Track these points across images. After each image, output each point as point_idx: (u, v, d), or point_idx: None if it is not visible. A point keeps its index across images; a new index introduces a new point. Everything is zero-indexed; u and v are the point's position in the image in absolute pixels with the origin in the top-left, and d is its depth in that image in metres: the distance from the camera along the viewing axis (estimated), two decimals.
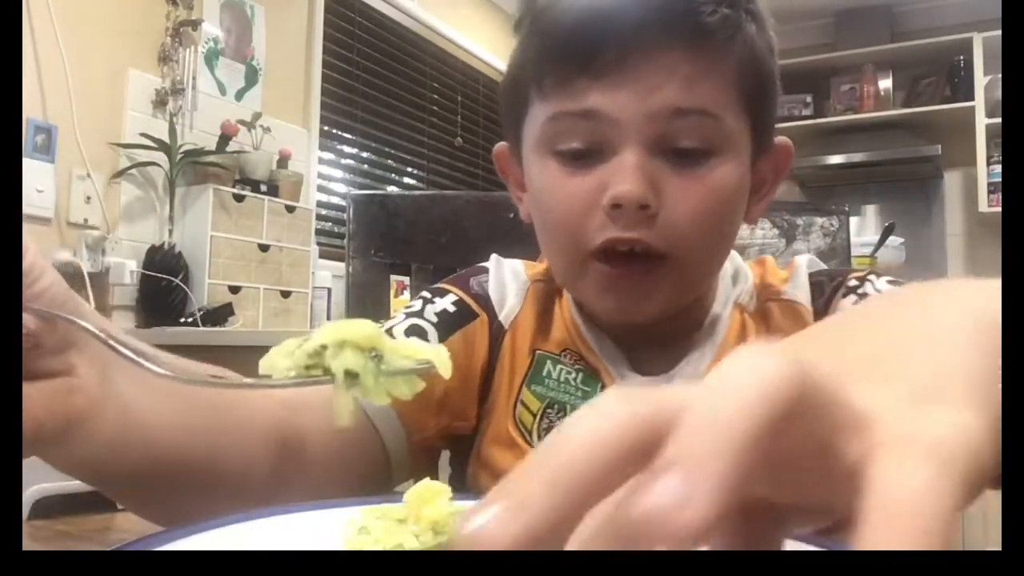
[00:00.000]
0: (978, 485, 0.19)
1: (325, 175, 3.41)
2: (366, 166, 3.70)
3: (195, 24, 2.79)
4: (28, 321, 0.38)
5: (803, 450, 0.20)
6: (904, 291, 0.31)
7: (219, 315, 2.53)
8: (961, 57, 4.10)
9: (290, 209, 2.87)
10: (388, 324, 0.67)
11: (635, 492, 0.17)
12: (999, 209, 3.99)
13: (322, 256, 3.12)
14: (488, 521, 0.18)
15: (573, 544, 0.18)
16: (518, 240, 0.73)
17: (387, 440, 0.62)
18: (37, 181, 2.33)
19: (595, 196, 0.58)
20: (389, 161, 3.80)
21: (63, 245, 2.42)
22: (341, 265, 2.72)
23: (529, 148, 0.64)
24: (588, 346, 0.67)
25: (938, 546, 0.17)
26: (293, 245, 2.87)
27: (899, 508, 0.17)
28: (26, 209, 2.28)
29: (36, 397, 0.39)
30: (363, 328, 0.35)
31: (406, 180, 3.91)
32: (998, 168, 4.01)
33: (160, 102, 2.70)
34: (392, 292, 1.06)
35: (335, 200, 3.41)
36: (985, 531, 2.42)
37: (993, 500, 0.23)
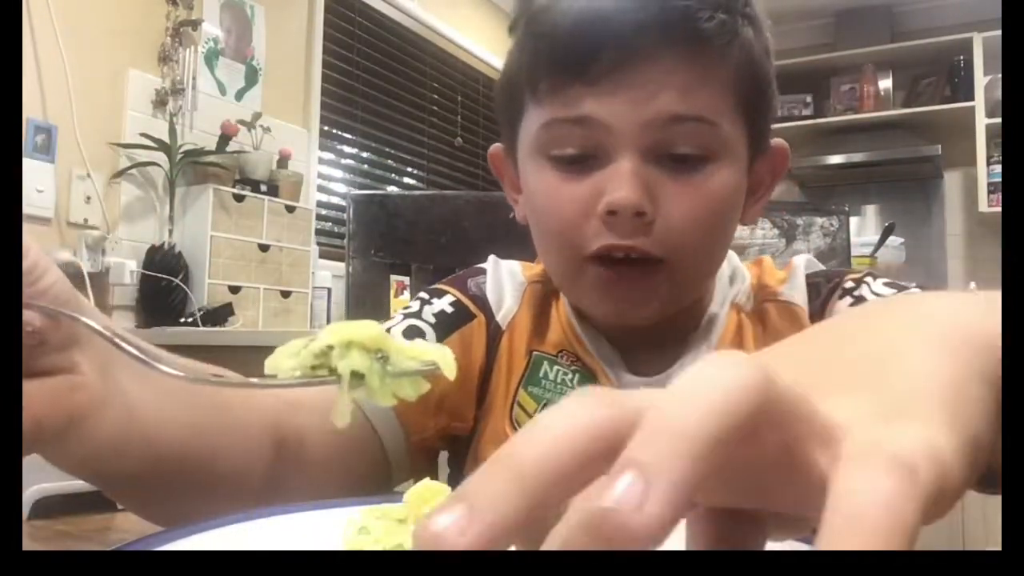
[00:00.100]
0: (945, 500, 0.19)
1: (325, 175, 3.41)
2: (366, 166, 3.70)
3: (195, 24, 2.79)
4: (34, 318, 0.38)
5: (771, 459, 0.20)
6: (884, 304, 0.31)
7: (219, 315, 2.53)
8: (961, 57, 4.10)
9: (290, 209, 2.87)
10: (386, 325, 0.67)
11: (594, 490, 0.17)
12: (999, 209, 3.99)
13: (322, 256, 3.12)
14: (449, 523, 0.18)
15: (552, 543, 0.19)
16: (518, 240, 0.73)
17: (386, 441, 0.62)
18: (37, 181, 2.33)
19: (591, 202, 0.58)
20: (389, 161, 3.80)
21: (63, 245, 2.42)
22: (341, 265, 2.72)
23: (524, 152, 0.64)
24: (584, 347, 0.67)
25: None
26: (293, 245, 2.87)
27: (859, 518, 0.17)
28: (26, 209, 2.28)
29: (38, 394, 0.39)
30: (369, 329, 0.35)
31: (406, 180, 3.91)
32: (998, 168, 4.01)
33: (160, 102, 2.70)
34: (392, 292, 1.06)
35: (335, 200, 3.41)
36: (985, 531, 2.42)
37: (993, 500, 0.23)
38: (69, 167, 2.43)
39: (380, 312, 1.00)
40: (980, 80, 4.00)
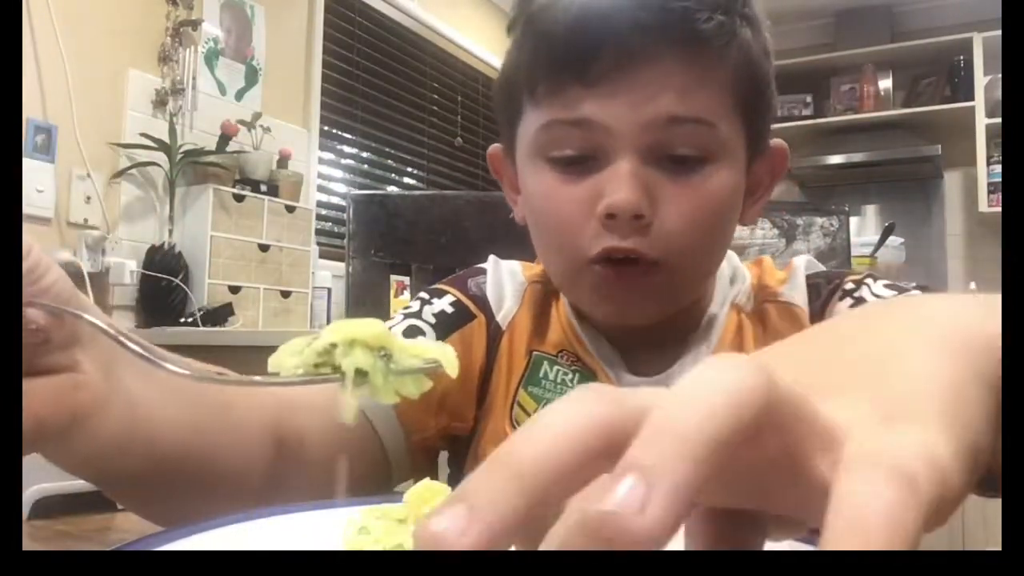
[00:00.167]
0: (946, 507, 0.19)
1: (325, 175, 3.41)
2: (366, 166, 3.70)
3: (195, 24, 2.79)
4: (37, 316, 0.38)
5: (771, 460, 0.20)
6: (884, 305, 0.31)
7: (219, 315, 2.53)
8: (961, 57, 4.10)
9: (290, 209, 2.87)
10: (386, 324, 0.67)
11: (596, 492, 0.17)
12: (999, 209, 3.99)
13: (322, 256, 3.12)
14: (449, 523, 0.18)
15: (551, 543, 0.18)
16: (518, 240, 0.73)
17: (386, 440, 0.62)
18: (37, 181, 2.33)
19: (590, 205, 0.58)
20: (389, 161, 3.80)
21: (63, 245, 2.42)
22: (341, 265, 2.72)
23: (523, 153, 0.64)
24: (585, 347, 0.67)
25: None
26: (293, 245, 2.87)
27: (860, 526, 0.17)
28: (26, 209, 2.28)
29: (41, 393, 0.39)
30: (372, 327, 0.35)
31: (406, 180, 3.91)
32: (998, 168, 4.01)
33: (160, 102, 2.70)
34: (392, 292, 1.06)
35: (335, 200, 3.41)
36: (985, 531, 2.42)
37: (993, 501, 0.23)
38: (69, 167, 2.43)
39: (380, 312, 1.00)
40: (980, 80, 4.00)
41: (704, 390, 0.19)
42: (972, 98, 4.01)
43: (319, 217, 3.20)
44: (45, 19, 2.35)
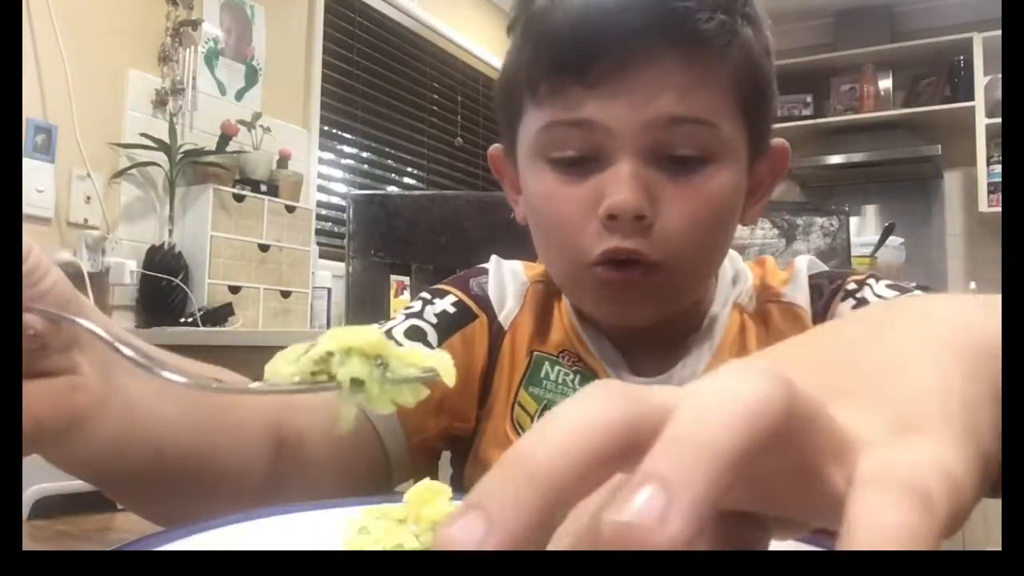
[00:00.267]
0: (958, 519, 0.19)
1: (325, 175, 3.41)
2: (366, 166, 3.70)
3: (195, 24, 2.79)
4: (35, 322, 0.38)
5: (785, 467, 0.20)
6: (889, 306, 0.30)
7: (219, 315, 2.53)
8: (961, 57, 4.10)
9: (290, 209, 2.88)
10: (388, 325, 0.67)
11: (614, 501, 0.17)
12: (999, 209, 4.00)
13: (322, 256, 3.13)
14: (467, 534, 0.17)
15: (559, 543, 0.18)
16: (518, 240, 0.73)
17: (387, 441, 0.62)
18: (37, 181, 2.33)
19: (591, 206, 0.58)
20: (389, 161, 3.80)
21: (63, 245, 2.42)
22: (341, 265, 2.72)
23: (524, 153, 0.64)
24: (586, 347, 0.67)
25: None
26: (293, 245, 2.87)
27: (877, 548, 0.17)
28: (26, 209, 2.28)
29: (39, 395, 0.39)
30: (369, 335, 0.35)
31: (406, 180, 3.91)
32: (998, 168, 4.02)
33: (160, 102, 2.70)
34: (392, 292, 1.06)
35: (335, 200, 3.41)
36: (986, 531, 2.42)
37: (994, 501, 0.23)
38: (69, 167, 2.43)
39: (380, 312, 1.00)
40: (980, 80, 4.00)
41: (725, 399, 0.18)
42: (972, 98, 4.02)
43: (319, 217, 3.20)
44: (45, 19, 2.35)
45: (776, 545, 0.24)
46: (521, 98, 0.62)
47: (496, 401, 0.67)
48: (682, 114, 0.57)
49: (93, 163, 2.49)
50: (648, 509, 0.17)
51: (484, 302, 0.70)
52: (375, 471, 0.63)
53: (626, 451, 0.19)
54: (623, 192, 0.56)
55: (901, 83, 4.35)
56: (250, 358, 0.39)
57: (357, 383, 0.34)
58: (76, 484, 0.48)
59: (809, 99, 4.38)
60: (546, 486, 0.18)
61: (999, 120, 3.93)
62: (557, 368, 0.67)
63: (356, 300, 1.01)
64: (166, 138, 2.61)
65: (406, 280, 1.06)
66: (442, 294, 0.70)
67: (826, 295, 0.66)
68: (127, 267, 2.50)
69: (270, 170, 2.90)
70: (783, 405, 0.19)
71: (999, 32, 3.79)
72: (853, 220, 2.66)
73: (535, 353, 0.68)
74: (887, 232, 3.50)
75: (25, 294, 0.38)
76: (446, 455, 0.73)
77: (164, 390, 0.47)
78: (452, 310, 0.68)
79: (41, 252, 0.39)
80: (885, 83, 4.34)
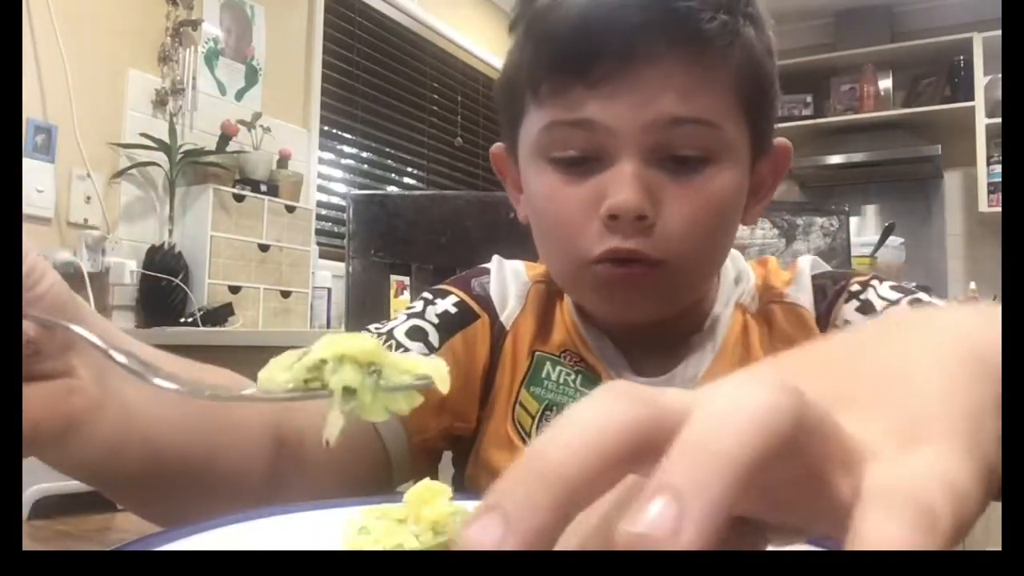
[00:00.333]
0: (962, 530, 0.19)
1: (325, 175, 3.41)
2: (366, 166, 3.70)
3: (195, 24, 2.79)
4: (28, 328, 0.38)
5: (792, 475, 0.20)
6: (897, 317, 0.30)
7: (219, 315, 2.53)
8: (961, 57, 4.10)
9: (290, 209, 2.88)
10: (389, 325, 0.67)
11: (628, 511, 0.17)
12: (999, 209, 4.00)
13: (322, 256, 3.13)
14: (486, 536, 0.18)
15: (568, 543, 0.19)
16: (518, 240, 0.73)
17: (387, 441, 0.62)
18: (37, 181, 2.33)
19: (593, 205, 0.58)
20: (389, 161, 3.80)
21: (63, 245, 2.42)
22: (341, 265, 2.72)
23: (525, 152, 0.64)
24: (588, 347, 0.67)
25: None
26: (293, 245, 2.87)
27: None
28: (26, 209, 2.28)
29: (35, 399, 0.39)
30: (363, 342, 0.35)
31: (406, 180, 3.91)
32: (998, 168, 4.02)
33: (160, 102, 2.70)
34: (392, 292, 1.06)
35: (335, 200, 3.41)
36: (986, 531, 2.42)
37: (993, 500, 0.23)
38: (69, 167, 2.43)
39: (380, 312, 1.00)
40: (980, 80, 4.00)
41: (736, 409, 0.19)
42: (972, 98, 4.02)
43: (319, 217, 3.20)
44: (45, 19, 2.35)
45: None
46: (522, 97, 0.62)
47: (497, 401, 0.67)
48: (684, 114, 0.57)
49: (93, 163, 2.49)
50: (661, 520, 0.17)
51: (486, 302, 0.69)
52: (376, 471, 0.63)
53: (638, 453, 0.19)
54: (624, 192, 0.56)
55: (901, 83, 4.35)
56: (250, 358, 0.39)
57: (350, 391, 0.34)
58: (76, 484, 0.48)
59: (809, 99, 4.38)
60: (561, 488, 0.18)
61: (999, 120, 3.93)
62: (559, 368, 0.67)
63: (356, 300, 1.01)
64: (166, 138, 2.61)
65: (406, 280, 1.06)
66: (444, 294, 0.70)
67: (829, 296, 0.66)
68: (127, 267, 2.50)
69: (270, 170, 2.90)
70: (793, 415, 0.19)
71: (999, 32, 3.79)
72: (853, 220, 2.65)
73: (537, 353, 0.67)
74: (887, 232, 3.50)
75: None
76: (447, 455, 0.73)
77: (161, 392, 0.47)
78: (454, 310, 0.68)
79: (37, 255, 0.39)
80: (885, 83, 4.34)
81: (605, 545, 0.18)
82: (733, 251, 0.70)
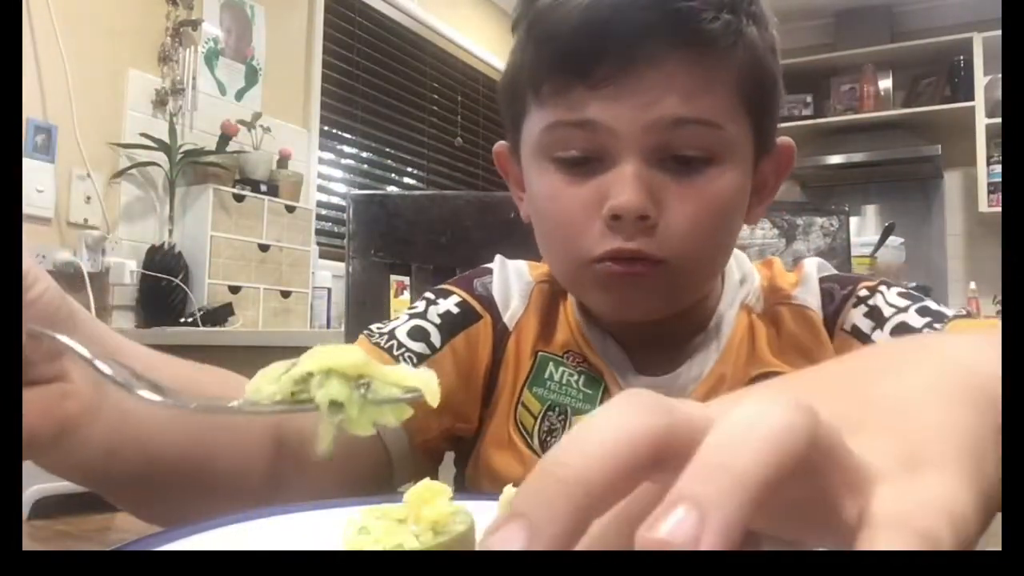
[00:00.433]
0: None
1: (325, 175, 3.41)
2: (366, 166, 3.70)
3: (195, 24, 2.79)
4: None
5: (801, 493, 0.21)
6: (905, 345, 0.32)
7: (219, 315, 2.53)
8: (961, 57, 4.10)
9: (290, 209, 2.88)
10: (391, 325, 0.67)
11: (648, 518, 0.18)
12: (999, 209, 4.00)
13: (322, 256, 3.12)
14: (510, 538, 0.18)
15: (580, 545, 0.19)
16: (518, 241, 0.73)
17: (389, 442, 0.62)
18: (37, 181, 2.33)
19: (595, 206, 0.58)
20: (389, 161, 3.80)
21: (63, 245, 2.42)
22: (341, 265, 2.72)
23: (528, 152, 0.63)
24: (591, 347, 0.67)
25: None
26: (293, 245, 2.87)
27: None
28: (26, 209, 2.28)
29: (29, 404, 0.39)
30: (351, 356, 0.34)
31: (406, 180, 3.91)
32: (998, 168, 4.02)
33: (160, 102, 2.70)
34: (392, 292, 1.06)
35: (335, 200, 3.41)
36: (986, 531, 2.42)
37: None
38: (69, 167, 2.43)
39: (380, 312, 1.00)
40: (980, 80, 4.00)
41: (756, 428, 0.19)
42: (972, 98, 4.02)
43: (319, 217, 3.20)
44: (45, 19, 2.35)
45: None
46: (525, 97, 0.62)
47: (499, 402, 0.67)
48: (686, 115, 0.57)
49: (93, 163, 2.49)
50: (682, 527, 0.17)
51: (488, 302, 0.69)
52: (377, 472, 0.63)
53: (657, 462, 0.19)
54: (627, 193, 0.56)
55: (901, 83, 4.35)
56: (250, 358, 0.39)
57: (337, 405, 0.34)
58: (76, 485, 0.48)
59: (809, 99, 4.39)
60: (582, 496, 0.19)
61: (999, 120, 3.93)
62: (562, 369, 0.67)
63: (356, 300, 1.01)
64: (166, 138, 2.61)
65: (406, 280, 1.06)
66: (446, 294, 0.70)
67: (837, 300, 0.66)
68: (127, 267, 2.50)
69: (270, 170, 2.90)
70: (808, 435, 0.19)
71: (999, 32, 3.79)
72: (853, 220, 2.65)
73: (540, 354, 0.67)
74: (887, 232, 3.50)
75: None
76: (449, 455, 0.73)
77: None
78: (456, 310, 0.68)
79: (32, 261, 0.39)
80: (885, 83, 4.34)
81: (615, 545, 0.18)
82: (738, 252, 0.70)
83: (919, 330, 0.60)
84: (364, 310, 1.00)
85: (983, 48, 3.98)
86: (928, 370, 0.26)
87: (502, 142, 0.70)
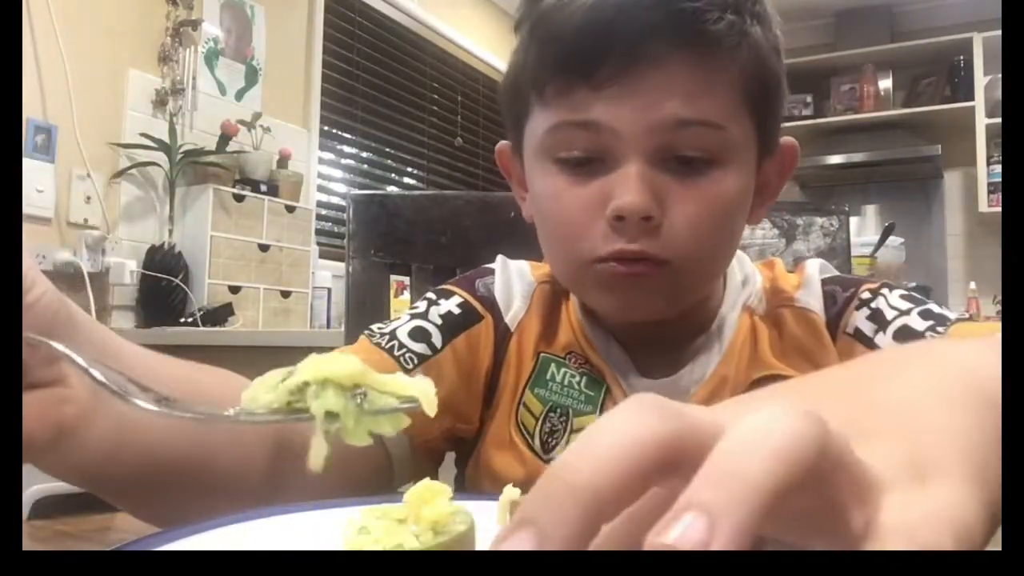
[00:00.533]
0: None
1: (325, 175, 3.41)
2: (366, 166, 3.70)
3: (195, 24, 2.79)
4: None
5: (809, 500, 0.21)
6: (910, 352, 0.32)
7: (219, 315, 2.53)
8: (961, 57, 4.10)
9: (290, 209, 2.87)
10: (392, 325, 0.67)
11: (658, 523, 0.18)
12: (999, 209, 4.00)
13: (322, 256, 3.12)
14: (519, 545, 0.18)
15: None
16: (518, 241, 0.73)
17: (389, 443, 0.62)
18: (37, 181, 2.33)
19: (598, 206, 0.58)
20: (389, 161, 3.80)
21: (63, 245, 2.42)
22: (341, 265, 2.72)
23: (530, 152, 0.63)
24: (594, 349, 0.66)
25: None
26: (293, 245, 2.87)
27: None
28: (26, 209, 2.28)
29: (27, 408, 0.39)
30: (347, 365, 0.34)
31: (406, 180, 3.91)
32: (998, 168, 4.02)
33: (160, 102, 2.70)
34: (392, 292, 1.06)
35: (335, 200, 3.41)
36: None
37: None
38: (69, 167, 2.43)
39: (380, 312, 1.00)
40: (980, 80, 4.00)
41: (766, 437, 0.19)
42: (972, 98, 4.02)
43: (319, 217, 3.20)
44: (45, 19, 2.35)
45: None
46: (527, 98, 0.62)
47: (501, 402, 0.67)
48: (689, 117, 0.56)
49: (93, 163, 2.49)
50: (692, 533, 0.17)
51: (490, 303, 0.69)
52: (377, 472, 0.62)
53: (664, 468, 0.20)
54: (630, 193, 0.56)
55: (901, 83, 4.35)
56: (250, 358, 0.39)
57: (333, 415, 0.34)
58: (75, 486, 0.48)
59: (809, 99, 4.39)
60: (592, 501, 0.19)
61: (999, 120, 3.93)
62: (563, 370, 0.66)
63: (356, 300, 1.01)
64: (166, 138, 2.61)
65: (406, 280, 1.06)
66: (447, 295, 0.70)
67: (840, 303, 0.66)
68: (127, 267, 2.50)
69: (270, 170, 2.90)
70: (818, 444, 0.19)
71: (999, 32, 3.79)
72: (853, 220, 2.65)
73: (541, 354, 0.67)
74: (887, 232, 3.50)
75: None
76: (450, 456, 0.73)
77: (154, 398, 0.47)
78: (457, 311, 0.68)
79: (30, 263, 0.39)
80: (885, 83, 4.34)
81: (621, 546, 0.18)
82: (740, 253, 0.69)
83: (922, 333, 0.60)
84: (364, 310, 1.00)
85: (983, 48, 3.98)
86: (932, 375, 0.27)
87: (504, 142, 0.70)
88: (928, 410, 0.24)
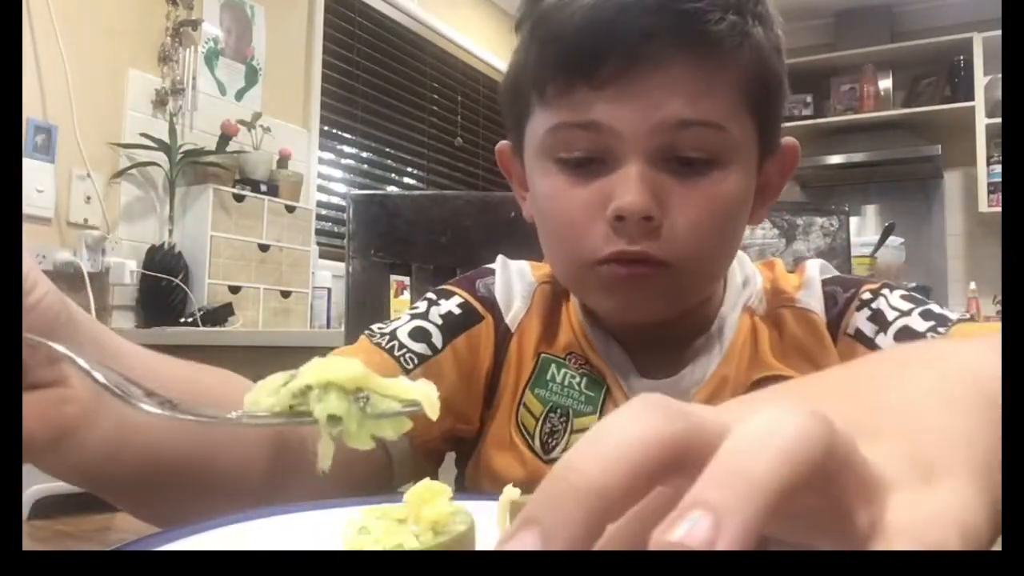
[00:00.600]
0: None
1: (325, 175, 3.41)
2: (366, 166, 3.70)
3: (195, 24, 2.79)
4: None
5: (814, 500, 0.21)
6: (912, 351, 0.32)
7: (219, 315, 2.53)
8: (961, 57, 4.10)
9: (290, 209, 2.88)
10: (392, 325, 0.67)
11: (663, 521, 0.18)
12: (999, 209, 4.00)
13: (322, 256, 3.12)
14: (523, 545, 0.18)
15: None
16: (518, 241, 0.73)
17: (389, 443, 0.62)
18: (37, 181, 2.33)
19: (599, 207, 0.58)
20: (389, 161, 3.80)
21: (63, 245, 2.42)
22: (341, 265, 2.72)
23: (531, 152, 0.63)
24: (594, 349, 0.66)
25: None
26: (293, 245, 2.87)
27: None
28: (26, 209, 2.28)
29: (28, 408, 0.39)
30: (350, 369, 0.34)
31: (406, 180, 3.91)
32: (998, 168, 4.02)
33: (160, 102, 2.70)
34: (392, 292, 1.06)
35: (335, 200, 3.41)
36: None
37: None
38: (69, 167, 2.43)
39: (380, 312, 1.00)
40: (980, 80, 4.00)
41: (772, 437, 0.19)
42: (972, 98, 4.02)
43: (319, 217, 3.20)
44: (45, 19, 2.35)
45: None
46: (528, 98, 0.62)
47: (501, 403, 0.67)
48: (691, 117, 0.56)
49: (93, 163, 2.48)
50: (697, 531, 0.17)
51: (490, 303, 0.69)
52: (377, 472, 0.62)
53: (670, 467, 0.19)
54: (631, 194, 0.56)
55: (901, 83, 4.35)
56: (250, 358, 0.39)
57: (335, 419, 0.34)
58: (75, 486, 0.48)
59: (809, 99, 4.39)
60: (597, 502, 0.19)
61: (999, 120, 3.93)
62: (564, 371, 0.66)
63: (356, 300, 1.01)
64: (166, 138, 2.61)
65: (406, 280, 1.06)
66: (448, 295, 0.70)
67: (840, 303, 0.66)
68: (127, 267, 2.50)
69: (270, 170, 2.89)
70: (824, 444, 0.19)
71: (999, 32, 3.79)
72: (853, 220, 2.65)
73: (542, 355, 0.67)
74: (887, 232, 3.50)
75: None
76: (450, 456, 0.72)
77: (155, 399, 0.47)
78: (458, 311, 0.68)
79: (31, 263, 0.39)
80: (885, 83, 4.34)
81: (627, 548, 0.18)
82: (740, 253, 0.69)
83: (922, 334, 0.60)
84: (364, 310, 1.00)
85: (983, 48, 3.98)
86: (933, 376, 0.27)
87: (504, 141, 0.70)
88: (929, 410, 0.24)
